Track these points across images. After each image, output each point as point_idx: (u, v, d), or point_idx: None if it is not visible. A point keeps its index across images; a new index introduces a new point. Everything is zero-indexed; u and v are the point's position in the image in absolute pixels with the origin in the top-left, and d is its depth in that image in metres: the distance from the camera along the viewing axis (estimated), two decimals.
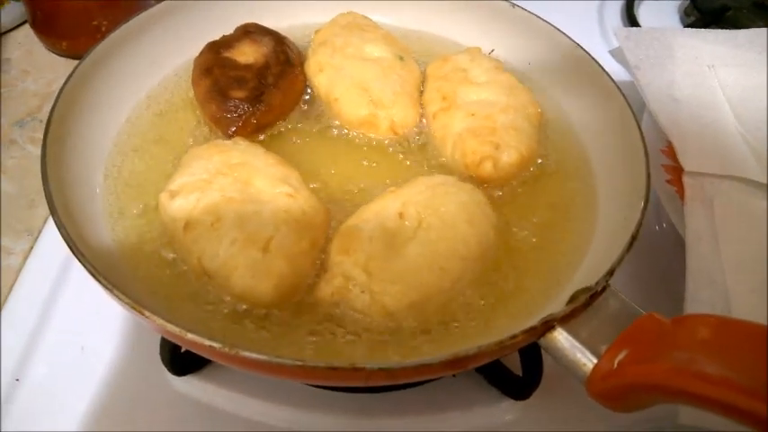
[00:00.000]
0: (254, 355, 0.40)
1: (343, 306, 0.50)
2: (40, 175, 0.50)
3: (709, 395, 0.39)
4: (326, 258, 0.53)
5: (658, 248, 0.73)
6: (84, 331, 0.64)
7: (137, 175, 0.60)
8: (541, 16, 0.71)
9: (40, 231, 0.74)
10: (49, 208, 0.48)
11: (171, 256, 0.54)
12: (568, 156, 0.64)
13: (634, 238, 0.49)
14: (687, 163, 0.64)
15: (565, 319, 0.45)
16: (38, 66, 0.97)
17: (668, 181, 0.65)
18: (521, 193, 0.61)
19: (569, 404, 0.61)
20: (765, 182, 0.65)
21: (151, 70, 0.68)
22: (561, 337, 0.44)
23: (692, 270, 0.58)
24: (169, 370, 0.60)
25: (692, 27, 0.96)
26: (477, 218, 0.54)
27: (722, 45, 0.77)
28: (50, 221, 0.74)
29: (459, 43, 0.76)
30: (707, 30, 0.81)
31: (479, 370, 0.62)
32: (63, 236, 0.47)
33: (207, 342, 0.40)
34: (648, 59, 0.74)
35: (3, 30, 1.00)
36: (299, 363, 0.40)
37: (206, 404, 0.60)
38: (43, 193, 0.50)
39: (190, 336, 0.40)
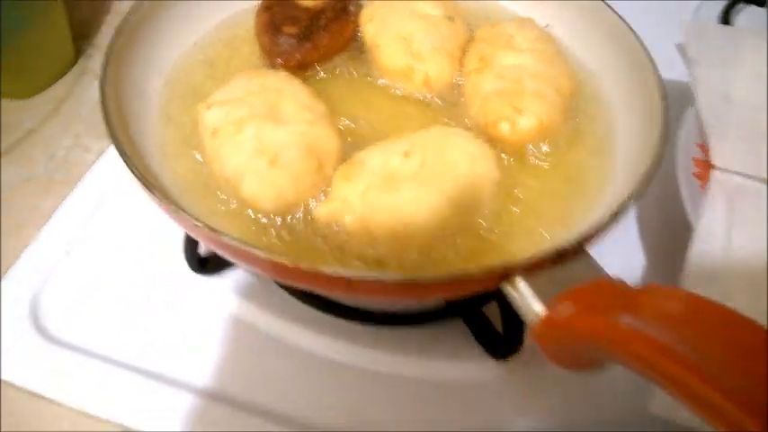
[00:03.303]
0: (234, 243, 0.45)
1: (335, 226, 0.55)
2: (101, 66, 0.58)
3: (659, 365, 0.37)
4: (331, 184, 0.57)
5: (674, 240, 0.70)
6: (129, 224, 0.73)
7: (190, 90, 0.67)
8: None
9: None
10: (101, 101, 0.56)
11: (202, 160, 0.60)
12: (597, 135, 0.65)
13: (617, 213, 0.49)
14: (719, 160, 0.63)
15: (526, 269, 0.46)
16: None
17: (695, 174, 0.63)
18: (537, 161, 0.62)
19: (555, 375, 0.61)
20: None
21: (222, 3, 0.75)
22: (520, 284, 0.46)
23: (694, 264, 0.57)
24: (189, 265, 0.67)
25: None
26: (480, 170, 0.56)
27: None
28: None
29: (517, 13, 0.77)
30: None
31: (468, 323, 0.64)
32: (108, 126, 0.54)
33: (193, 221, 0.46)
34: (710, 55, 0.72)
35: None
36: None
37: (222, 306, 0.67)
38: None
39: (192, 220, 0.46)
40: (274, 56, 0.66)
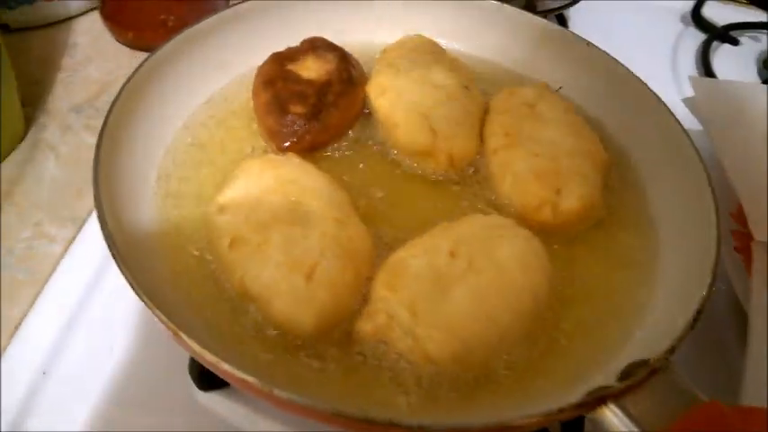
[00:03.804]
0: (289, 396, 0.38)
1: (384, 345, 0.48)
2: (92, 166, 0.50)
3: None
4: (370, 290, 0.51)
5: (718, 315, 0.68)
6: (115, 331, 0.63)
7: (187, 181, 0.59)
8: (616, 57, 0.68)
9: (84, 222, 0.74)
10: (95, 200, 0.48)
11: (214, 270, 0.52)
12: (633, 210, 0.61)
13: (699, 313, 0.46)
14: (757, 231, 0.60)
15: (618, 395, 0.42)
16: (102, 53, 0.98)
17: (736, 248, 0.61)
18: (578, 245, 0.58)
19: None
20: None
21: (214, 75, 0.67)
22: (611, 413, 0.41)
23: (753, 352, 0.54)
24: (195, 383, 0.58)
25: None
26: (533, 268, 0.51)
27: None
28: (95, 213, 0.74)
29: (528, 77, 0.73)
30: None
31: None
32: (104, 233, 0.46)
33: (239, 374, 0.38)
34: (723, 114, 0.70)
35: (73, 14, 1.02)
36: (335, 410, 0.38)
37: (229, 422, 0.58)
38: (91, 184, 0.50)
39: (225, 366, 0.39)
40: (281, 139, 0.59)
